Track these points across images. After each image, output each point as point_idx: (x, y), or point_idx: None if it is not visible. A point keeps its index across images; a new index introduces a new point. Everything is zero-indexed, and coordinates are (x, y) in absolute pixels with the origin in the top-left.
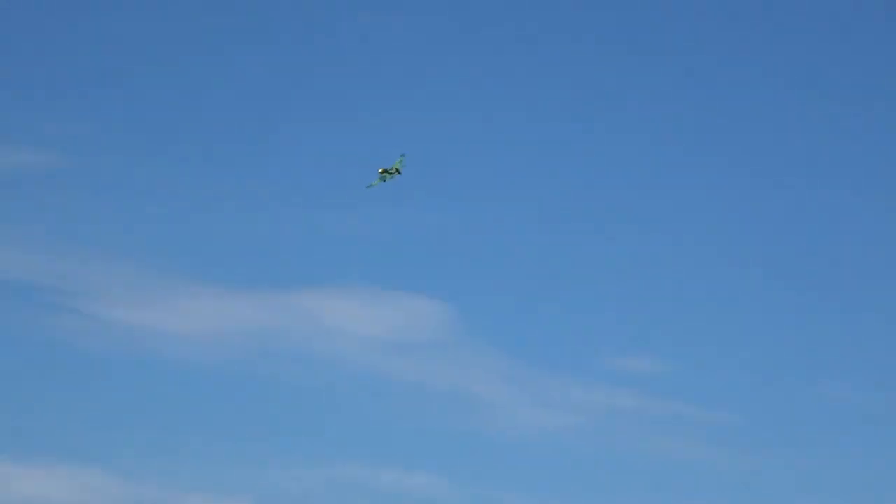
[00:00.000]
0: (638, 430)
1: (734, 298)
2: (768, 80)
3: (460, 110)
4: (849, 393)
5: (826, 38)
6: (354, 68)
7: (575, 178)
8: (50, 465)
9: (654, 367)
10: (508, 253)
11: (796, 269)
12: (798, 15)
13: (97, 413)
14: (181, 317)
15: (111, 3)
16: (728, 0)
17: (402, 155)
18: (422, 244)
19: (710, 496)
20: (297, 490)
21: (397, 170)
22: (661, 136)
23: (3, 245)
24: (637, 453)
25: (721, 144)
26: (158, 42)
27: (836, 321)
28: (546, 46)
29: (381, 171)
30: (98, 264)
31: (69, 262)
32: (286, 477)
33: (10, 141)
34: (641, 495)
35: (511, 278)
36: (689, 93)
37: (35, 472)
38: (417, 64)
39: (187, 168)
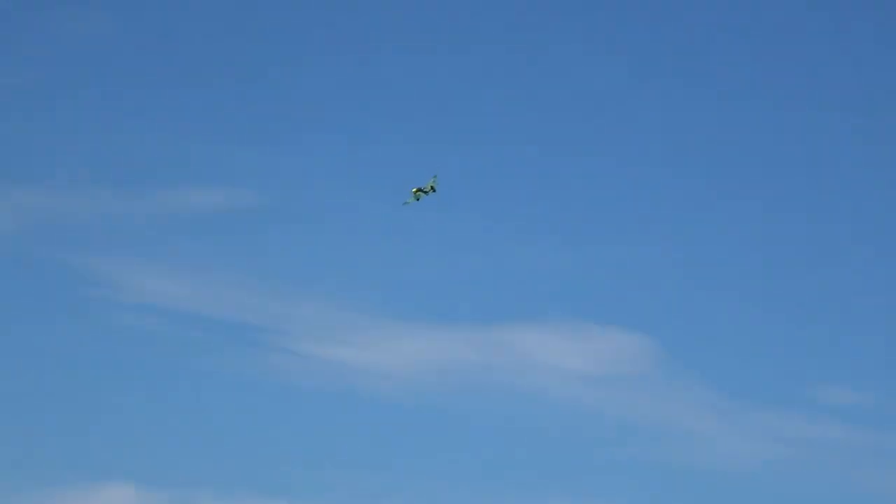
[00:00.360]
0: (846, 462)
1: None
2: None
3: (645, 145)
4: None
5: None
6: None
7: (768, 210)
8: (251, 501)
9: (862, 398)
10: (710, 284)
11: None
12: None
13: (305, 450)
14: (388, 353)
15: (303, 45)
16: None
17: (434, 175)
18: (624, 278)
19: None
20: None
21: (432, 187)
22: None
23: (213, 285)
24: (846, 486)
25: None
26: (354, 79)
27: None
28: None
29: (414, 190)
30: (306, 302)
31: (277, 301)
32: None
33: (221, 180)
34: None
35: (714, 310)
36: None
37: None
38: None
39: (390, 205)
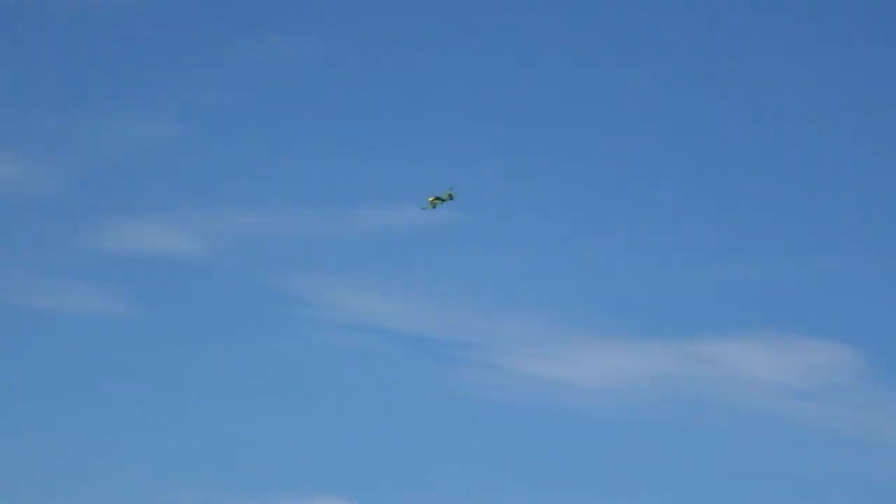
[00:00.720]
0: None
1: None
2: None
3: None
4: None
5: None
6: None
7: None
8: None
9: None
10: None
11: None
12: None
13: (511, 465)
14: (588, 368)
15: (509, 64)
16: None
17: (451, 187)
18: (829, 289)
19: None
20: None
21: (450, 195)
22: None
23: (416, 302)
24: None
25: None
26: (557, 100)
27: None
28: None
29: (430, 199)
30: (506, 318)
31: (480, 316)
32: None
33: (421, 197)
34: None
35: None
36: None
37: None
38: None
39: (592, 222)
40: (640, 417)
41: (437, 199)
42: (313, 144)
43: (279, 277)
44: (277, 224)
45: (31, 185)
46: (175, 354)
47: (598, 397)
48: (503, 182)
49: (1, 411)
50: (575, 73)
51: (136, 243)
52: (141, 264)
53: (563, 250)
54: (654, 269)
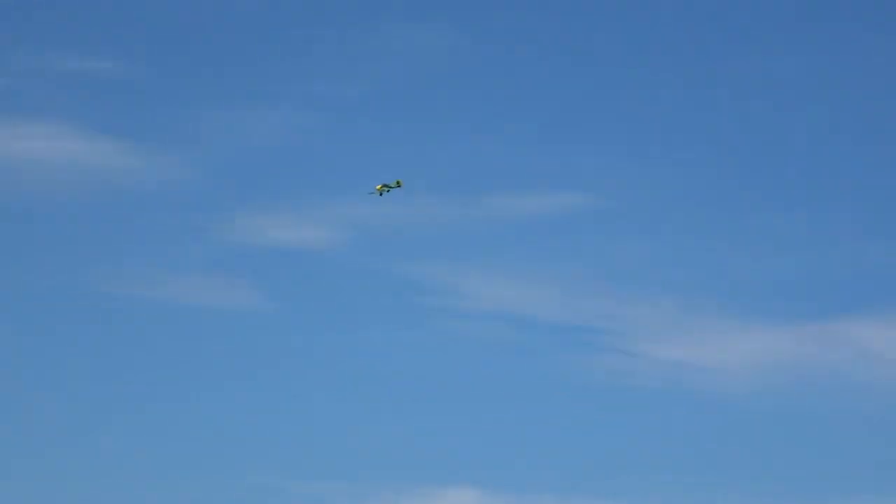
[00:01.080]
0: None
1: None
2: None
3: None
4: None
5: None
6: None
7: None
8: None
9: None
10: None
11: None
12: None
13: (643, 451)
14: (724, 351)
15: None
16: None
17: (399, 179)
18: None
19: None
20: None
21: (398, 183)
22: None
23: (549, 288)
24: None
25: None
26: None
27: None
28: None
29: (378, 186)
30: (641, 303)
31: (613, 302)
32: None
33: (556, 185)
34: None
35: None
36: None
37: None
38: None
39: (719, 207)
40: (775, 401)
41: (385, 186)
42: (445, 133)
43: (412, 267)
44: (410, 213)
45: (162, 177)
46: (308, 346)
47: (732, 381)
48: (635, 168)
49: (137, 405)
50: (704, 63)
51: (269, 235)
52: (273, 256)
53: (694, 234)
54: (785, 252)
